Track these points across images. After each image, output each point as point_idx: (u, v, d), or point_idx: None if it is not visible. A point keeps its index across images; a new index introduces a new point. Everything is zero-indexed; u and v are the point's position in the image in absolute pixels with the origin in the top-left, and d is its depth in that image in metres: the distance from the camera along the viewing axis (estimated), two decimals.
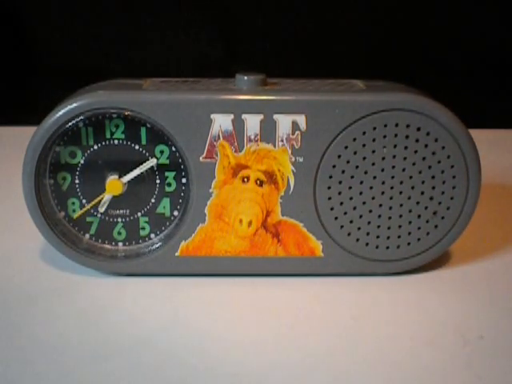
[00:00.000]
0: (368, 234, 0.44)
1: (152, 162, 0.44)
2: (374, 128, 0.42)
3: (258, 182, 0.43)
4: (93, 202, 0.44)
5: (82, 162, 0.44)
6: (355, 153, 0.43)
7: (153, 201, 0.45)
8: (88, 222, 0.45)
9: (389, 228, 0.44)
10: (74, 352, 0.37)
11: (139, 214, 0.45)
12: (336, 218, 0.44)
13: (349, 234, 0.44)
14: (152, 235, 0.45)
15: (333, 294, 0.43)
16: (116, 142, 0.43)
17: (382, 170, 0.43)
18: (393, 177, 0.43)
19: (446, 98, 0.44)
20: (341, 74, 0.53)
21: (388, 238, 0.44)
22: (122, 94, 0.42)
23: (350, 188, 0.43)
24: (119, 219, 0.45)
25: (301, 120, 0.42)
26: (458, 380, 0.34)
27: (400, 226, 0.44)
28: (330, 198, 0.43)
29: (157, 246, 0.45)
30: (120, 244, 0.45)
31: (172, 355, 0.36)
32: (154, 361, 0.36)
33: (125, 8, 0.89)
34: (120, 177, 0.44)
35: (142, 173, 0.44)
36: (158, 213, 0.45)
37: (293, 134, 0.42)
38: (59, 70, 0.92)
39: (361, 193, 0.43)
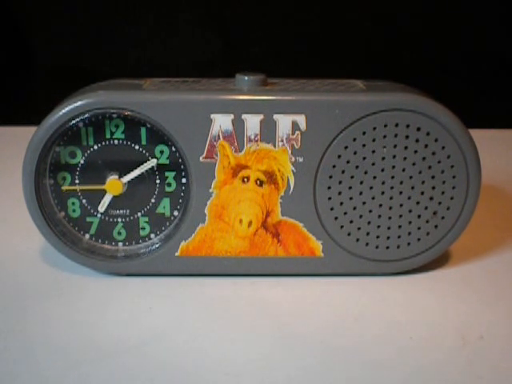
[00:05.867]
0: (368, 233, 0.44)
1: (152, 162, 0.44)
2: (374, 128, 0.42)
3: (258, 182, 0.43)
4: (88, 187, 0.44)
5: (81, 161, 0.44)
6: (355, 153, 0.43)
7: (153, 201, 0.45)
8: (88, 221, 0.45)
9: (389, 228, 0.44)
10: (74, 352, 0.37)
11: (139, 214, 0.45)
12: (336, 218, 0.44)
13: (349, 234, 0.44)
14: (152, 235, 0.45)
15: (333, 293, 0.43)
16: (116, 141, 0.43)
17: (382, 170, 0.43)
18: (393, 177, 0.43)
19: (446, 98, 0.44)
20: (341, 74, 0.53)
21: (388, 238, 0.44)
22: (121, 94, 0.42)
23: (350, 188, 0.43)
24: (119, 219, 0.45)
25: (301, 120, 0.42)
26: (458, 380, 0.34)
27: (400, 226, 0.44)
28: (330, 198, 0.43)
29: (157, 246, 0.45)
30: (120, 244, 0.45)
31: (172, 355, 0.36)
32: (154, 361, 0.36)
33: (125, 8, 0.89)
34: (120, 177, 0.44)
35: (142, 173, 0.44)
36: (158, 213, 0.45)
37: (293, 133, 0.42)
38: (59, 69, 0.92)
39: (361, 193, 0.43)
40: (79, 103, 0.42)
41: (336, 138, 0.42)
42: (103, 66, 0.91)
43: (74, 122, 0.42)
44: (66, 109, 0.42)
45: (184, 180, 0.44)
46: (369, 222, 0.44)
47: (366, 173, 0.43)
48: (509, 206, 0.60)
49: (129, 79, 0.46)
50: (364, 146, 0.42)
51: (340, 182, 0.43)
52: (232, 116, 0.42)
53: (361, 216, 0.44)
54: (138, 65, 0.91)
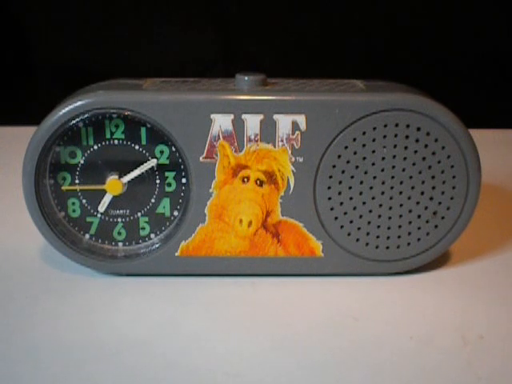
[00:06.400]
0: (368, 233, 0.44)
1: (152, 162, 0.44)
2: (374, 128, 0.42)
3: (258, 182, 0.43)
4: (88, 187, 0.44)
5: (81, 161, 0.44)
6: (355, 153, 0.43)
7: (153, 201, 0.45)
8: (88, 221, 0.45)
9: (389, 228, 0.44)
10: (74, 352, 0.37)
11: (139, 214, 0.45)
12: (336, 218, 0.44)
13: (349, 234, 0.44)
14: (152, 235, 0.45)
15: (333, 293, 0.43)
16: (116, 141, 0.43)
17: (382, 170, 0.43)
18: (393, 177, 0.43)
19: (446, 98, 0.44)
20: (341, 74, 0.53)
21: (388, 238, 0.44)
22: (122, 94, 0.42)
23: (350, 188, 0.43)
24: (119, 219, 0.45)
25: (301, 120, 0.42)
26: (458, 380, 0.34)
27: (400, 226, 0.44)
28: (330, 198, 0.43)
29: (157, 246, 0.45)
30: (120, 244, 0.45)
31: (172, 355, 0.36)
32: (154, 360, 0.36)
33: (125, 8, 0.89)
34: (120, 177, 0.44)
35: (142, 173, 0.44)
36: (158, 213, 0.45)
37: (293, 133, 0.42)
38: (59, 70, 0.92)
39: (361, 193, 0.43)
40: (79, 103, 0.42)
41: (336, 138, 0.42)
42: (103, 66, 0.91)
43: (74, 122, 0.42)
44: (66, 109, 0.42)
45: (184, 180, 0.44)
46: (369, 222, 0.44)
47: (366, 173, 0.43)
48: (509, 206, 0.60)
49: (129, 79, 0.46)
50: (364, 146, 0.42)
51: (340, 182, 0.43)
52: (232, 116, 0.42)
53: (361, 216, 0.44)
54: (138, 65, 0.91)
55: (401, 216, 0.44)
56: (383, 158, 0.43)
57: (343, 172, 0.43)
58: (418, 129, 0.42)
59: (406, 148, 0.43)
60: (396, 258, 0.45)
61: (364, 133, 0.42)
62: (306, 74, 0.50)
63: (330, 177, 0.43)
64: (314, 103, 0.42)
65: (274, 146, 0.43)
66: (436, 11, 0.89)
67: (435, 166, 0.43)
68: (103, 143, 0.43)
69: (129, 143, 0.43)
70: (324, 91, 0.43)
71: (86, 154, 0.44)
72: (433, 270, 0.46)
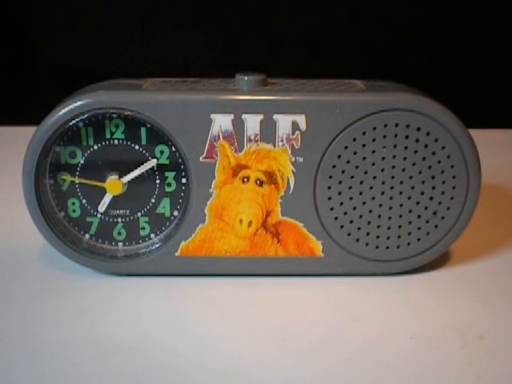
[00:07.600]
0: (368, 233, 0.44)
1: (152, 162, 0.44)
2: (374, 128, 0.42)
3: (258, 182, 0.43)
4: (91, 182, 0.44)
5: (81, 161, 0.44)
6: (355, 153, 0.43)
7: (153, 201, 0.45)
8: (88, 221, 0.45)
9: (389, 228, 0.44)
10: (73, 352, 0.37)
11: (139, 214, 0.45)
12: (336, 218, 0.44)
13: (349, 234, 0.44)
14: (152, 235, 0.45)
15: (333, 293, 0.43)
16: (116, 142, 0.43)
17: (382, 170, 0.43)
18: (393, 177, 0.43)
19: (446, 98, 0.44)
20: (341, 74, 0.53)
21: (388, 238, 0.44)
22: (121, 94, 0.42)
23: (350, 188, 0.43)
24: (119, 219, 0.45)
25: (301, 120, 0.42)
26: (458, 380, 0.34)
27: (400, 226, 0.44)
28: (330, 198, 0.43)
29: (157, 246, 0.45)
30: (120, 244, 0.45)
31: (172, 355, 0.36)
32: (154, 361, 0.36)
33: (125, 8, 0.89)
34: (120, 177, 0.44)
35: (142, 173, 0.44)
36: (158, 213, 0.45)
37: (293, 133, 0.42)
38: (59, 70, 0.92)
39: (361, 193, 0.43)
40: (79, 103, 0.42)
41: (336, 138, 0.42)
42: (103, 66, 0.91)
43: (74, 121, 0.42)
44: (66, 109, 0.42)
45: (184, 180, 0.44)
46: (369, 222, 0.44)
47: (365, 173, 0.43)
48: (509, 206, 0.60)
49: (129, 79, 0.46)
50: (364, 146, 0.42)
51: (340, 182, 0.43)
52: (232, 116, 0.42)
53: (361, 216, 0.44)
54: (138, 65, 0.91)
55: (401, 216, 0.44)
56: (383, 158, 0.43)
57: (343, 172, 0.43)
58: (418, 129, 0.42)
59: (405, 148, 0.43)
60: (396, 257, 0.45)
61: (364, 133, 0.42)
62: (306, 74, 0.50)
63: (330, 177, 0.43)
64: (314, 103, 0.42)
65: (274, 146, 0.43)
66: (436, 11, 0.89)
67: (435, 166, 0.43)
68: (103, 143, 0.43)
69: (129, 143, 0.43)
70: (324, 91, 0.43)
71: (86, 154, 0.44)
72: (433, 269, 0.46)
